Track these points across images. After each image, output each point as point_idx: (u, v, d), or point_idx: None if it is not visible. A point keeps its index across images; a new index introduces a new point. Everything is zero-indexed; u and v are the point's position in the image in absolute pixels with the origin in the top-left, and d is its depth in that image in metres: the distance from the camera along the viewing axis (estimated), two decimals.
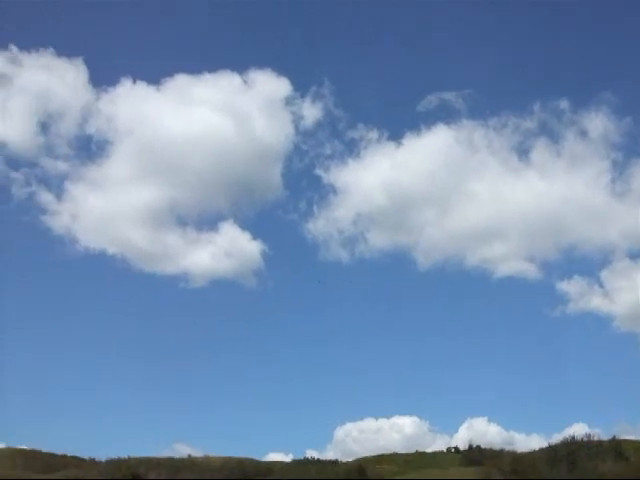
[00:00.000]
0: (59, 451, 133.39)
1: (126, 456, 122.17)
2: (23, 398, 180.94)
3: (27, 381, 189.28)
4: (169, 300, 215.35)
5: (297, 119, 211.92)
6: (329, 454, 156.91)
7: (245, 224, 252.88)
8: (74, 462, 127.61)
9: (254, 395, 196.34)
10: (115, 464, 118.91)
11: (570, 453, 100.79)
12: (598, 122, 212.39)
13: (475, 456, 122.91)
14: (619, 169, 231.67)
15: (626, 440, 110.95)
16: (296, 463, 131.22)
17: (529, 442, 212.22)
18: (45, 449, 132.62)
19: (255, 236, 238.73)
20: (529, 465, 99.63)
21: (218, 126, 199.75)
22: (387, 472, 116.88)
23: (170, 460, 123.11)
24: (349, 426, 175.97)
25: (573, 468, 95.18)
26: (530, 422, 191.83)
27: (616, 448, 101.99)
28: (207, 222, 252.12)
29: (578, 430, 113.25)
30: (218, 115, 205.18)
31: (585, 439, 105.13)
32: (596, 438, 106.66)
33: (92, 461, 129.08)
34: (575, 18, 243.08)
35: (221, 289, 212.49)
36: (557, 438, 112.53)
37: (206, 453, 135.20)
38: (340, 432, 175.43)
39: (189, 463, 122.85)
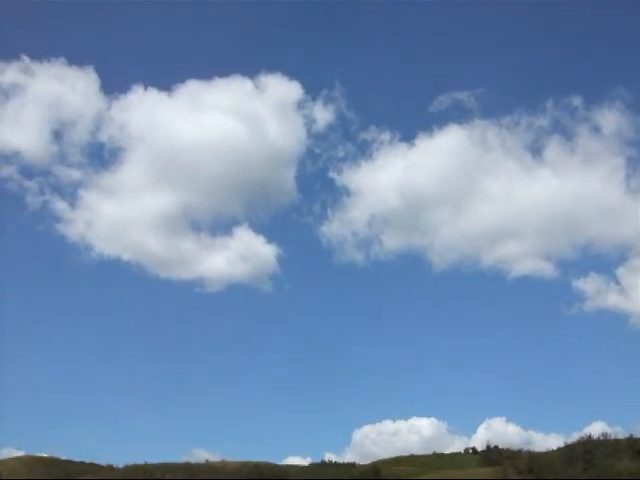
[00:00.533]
0: (77, 458, 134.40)
1: (143, 462, 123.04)
2: (42, 406, 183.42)
3: (45, 389, 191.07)
4: (185, 305, 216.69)
5: (309, 122, 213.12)
6: (347, 457, 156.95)
7: (259, 228, 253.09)
8: (92, 468, 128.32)
9: (272, 399, 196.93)
10: (132, 470, 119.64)
11: (587, 452, 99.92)
12: (612, 118, 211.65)
13: (493, 456, 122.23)
14: (634, 165, 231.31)
15: None
16: (313, 466, 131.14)
17: (548, 441, 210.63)
18: (64, 456, 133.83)
19: (270, 240, 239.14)
20: (545, 464, 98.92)
21: (230, 131, 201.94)
22: (403, 473, 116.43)
23: (187, 465, 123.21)
24: (367, 428, 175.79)
25: (589, 467, 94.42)
26: (549, 421, 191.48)
27: (633, 446, 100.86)
28: (221, 227, 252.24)
29: (597, 428, 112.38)
30: (230, 120, 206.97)
31: (602, 438, 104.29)
32: (613, 436, 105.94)
33: (110, 467, 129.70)
34: (586, 15, 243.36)
35: (237, 293, 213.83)
36: (576, 437, 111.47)
37: (224, 458, 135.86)
38: (358, 435, 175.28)
39: (205, 468, 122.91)
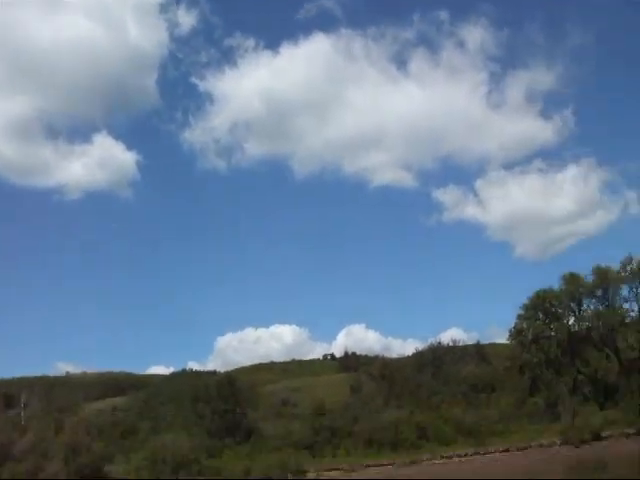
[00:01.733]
0: None
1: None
2: None
3: None
4: (44, 213, 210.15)
5: (172, 26, 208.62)
6: (210, 365, 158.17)
7: (119, 134, 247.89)
8: None
9: (133, 310, 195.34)
10: None
11: (436, 358, 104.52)
12: (476, 34, 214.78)
13: (350, 363, 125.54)
14: (496, 81, 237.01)
15: (493, 344, 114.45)
16: (172, 375, 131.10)
17: (406, 348, 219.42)
18: None
19: (130, 147, 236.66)
20: (396, 370, 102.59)
21: (90, 32, 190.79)
22: (260, 381, 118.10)
23: (44, 378, 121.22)
24: (229, 336, 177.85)
25: (438, 372, 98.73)
26: (408, 328, 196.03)
27: (479, 352, 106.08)
28: (80, 133, 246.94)
29: (454, 334, 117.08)
30: (90, 20, 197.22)
31: (450, 344, 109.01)
32: (462, 343, 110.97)
33: None
34: None
35: (96, 201, 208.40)
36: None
37: (85, 370, 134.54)
38: (221, 343, 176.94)
39: (64, 380, 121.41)
